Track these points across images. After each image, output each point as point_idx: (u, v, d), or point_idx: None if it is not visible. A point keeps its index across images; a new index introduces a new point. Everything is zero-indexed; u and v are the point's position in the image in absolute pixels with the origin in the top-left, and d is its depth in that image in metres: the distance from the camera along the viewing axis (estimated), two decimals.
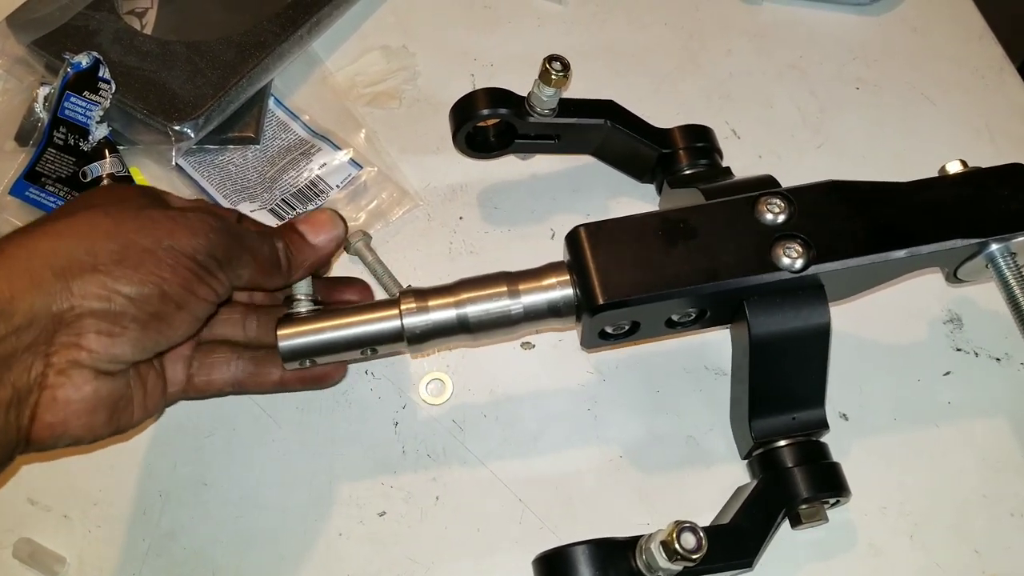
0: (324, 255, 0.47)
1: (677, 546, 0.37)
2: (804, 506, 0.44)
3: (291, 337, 0.46)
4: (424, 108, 0.64)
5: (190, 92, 0.59)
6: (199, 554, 0.49)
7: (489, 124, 0.57)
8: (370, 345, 0.46)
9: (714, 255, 0.43)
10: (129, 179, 0.59)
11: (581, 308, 0.45)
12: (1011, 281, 0.44)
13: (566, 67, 0.51)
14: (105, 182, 0.58)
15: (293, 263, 0.46)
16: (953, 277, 0.47)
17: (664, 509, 0.48)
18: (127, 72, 0.60)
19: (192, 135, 0.58)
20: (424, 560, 0.48)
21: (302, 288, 0.47)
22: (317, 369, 0.49)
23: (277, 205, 0.57)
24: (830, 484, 0.43)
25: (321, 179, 0.59)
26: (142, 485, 0.51)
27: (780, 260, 0.43)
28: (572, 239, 0.46)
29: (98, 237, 0.39)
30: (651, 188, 0.59)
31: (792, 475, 0.44)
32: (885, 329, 0.53)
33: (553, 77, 0.51)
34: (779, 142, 0.62)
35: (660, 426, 0.51)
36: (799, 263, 0.43)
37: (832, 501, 0.44)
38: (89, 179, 0.58)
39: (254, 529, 0.49)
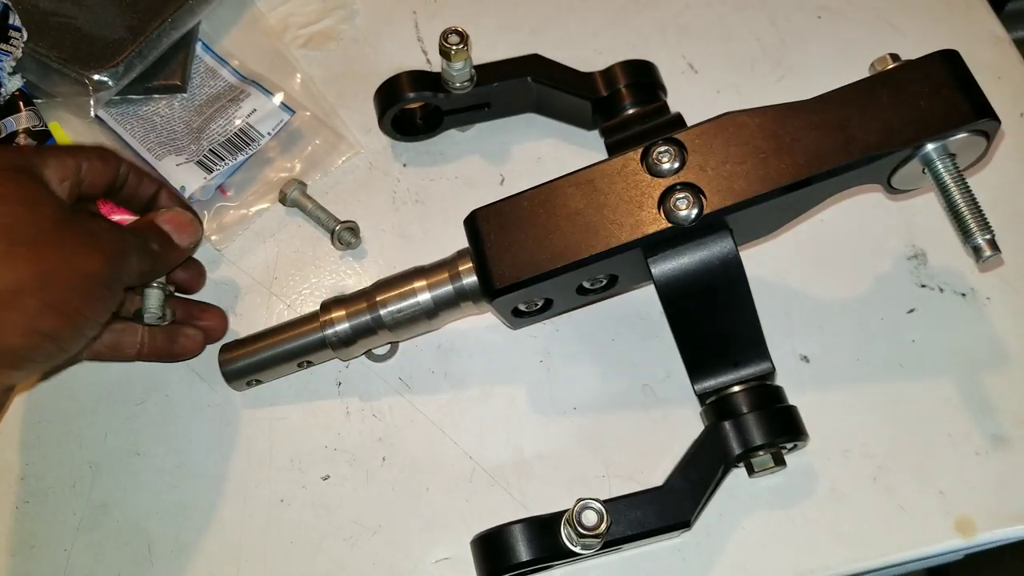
0: (182, 259, 0.47)
1: (578, 525, 0.38)
2: (759, 453, 0.42)
3: (231, 361, 0.48)
4: (364, 49, 0.61)
5: (108, 38, 0.55)
6: (134, 526, 0.46)
7: (415, 107, 0.55)
8: (302, 357, 0.47)
9: (606, 219, 0.41)
10: (47, 134, 0.55)
11: (483, 294, 0.44)
12: (950, 186, 0.40)
13: (463, 37, 0.49)
14: (21, 138, 0.55)
15: (161, 266, 0.46)
16: (889, 188, 0.43)
17: (620, 460, 0.46)
18: (40, 19, 0.56)
19: (111, 84, 0.54)
20: (371, 523, 0.46)
21: (153, 302, 0.47)
22: (174, 347, 0.49)
23: (205, 156, 0.54)
24: (785, 428, 0.41)
25: (251, 127, 0.55)
26: (71, 457, 0.49)
27: (673, 214, 0.40)
28: (469, 224, 0.44)
29: (20, 265, 0.37)
30: None
31: (738, 423, 0.41)
32: (847, 268, 0.51)
33: (453, 51, 0.49)
34: (739, 76, 0.59)
35: (615, 376, 0.49)
36: (693, 212, 0.40)
37: (789, 446, 0.43)
38: (3, 135, 0.54)
39: (191, 498, 0.47)
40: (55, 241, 0.38)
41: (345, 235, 0.52)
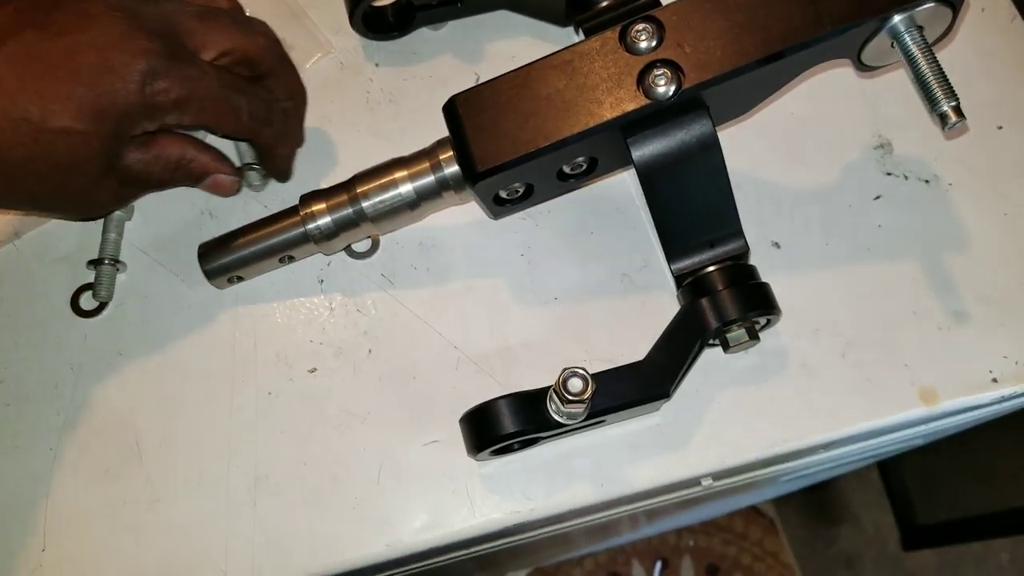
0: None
1: (565, 392, 0.39)
2: (734, 328, 0.43)
3: (211, 258, 0.47)
4: None
5: None
6: (120, 422, 0.47)
7: (386, 4, 0.54)
8: (283, 252, 0.47)
9: (585, 99, 0.41)
10: None
11: (465, 180, 0.44)
12: (917, 56, 0.40)
13: None
14: None
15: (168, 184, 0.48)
16: (860, 64, 0.44)
17: (601, 345, 0.48)
18: None
19: None
20: (360, 411, 0.47)
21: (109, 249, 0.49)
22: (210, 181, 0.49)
23: None
24: (758, 303, 0.43)
25: None
26: (50, 360, 0.48)
27: (652, 91, 0.41)
28: (448, 110, 0.44)
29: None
30: None
31: (713, 299, 0.43)
32: (815, 156, 0.52)
33: None
34: None
35: (594, 267, 0.50)
36: (671, 89, 0.40)
37: (763, 321, 0.44)
38: None
39: (177, 394, 0.47)
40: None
41: (251, 176, 0.52)
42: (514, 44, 0.56)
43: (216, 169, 0.48)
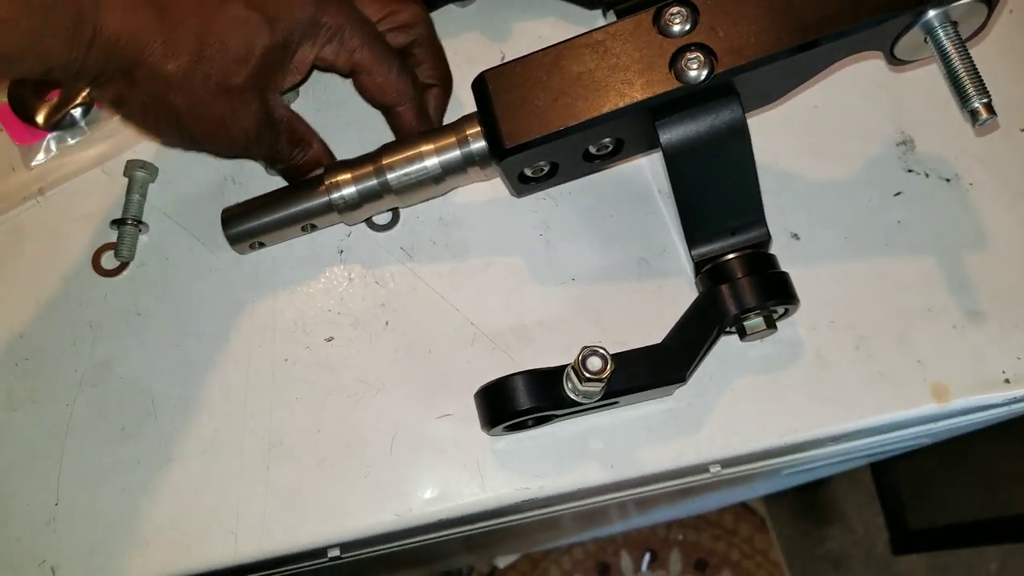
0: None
1: (583, 370, 0.39)
2: (752, 316, 0.44)
3: (235, 223, 0.47)
4: None
5: None
6: (137, 382, 0.47)
7: None
8: (306, 221, 0.47)
9: (616, 80, 0.42)
10: None
11: (492, 156, 0.44)
12: (951, 52, 0.41)
13: None
14: None
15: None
16: (892, 58, 0.44)
17: (616, 327, 0.48)
18: None
19: None
20: (375, 382, 0.47)
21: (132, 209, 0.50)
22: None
23: None
24: (777, 292, 0.43)
25: None
26: (70, 316, 0.49)
27: (684, 74, 0.41)
28: (477, 86, 0.44)
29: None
30: None
31: (733, 286, 0.43)
32: (837, 151, 0.52)
33: None
34: None
35: (612, 250, 0.50)
36: (704, 73, 0.41)
37: (781, 311, 0.45)
38: None
39: (194, 358, 0.47)
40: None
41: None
42: (541, 24, 0.56)
43: (326, 161, 0.49)
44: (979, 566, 1.48)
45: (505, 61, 0.44)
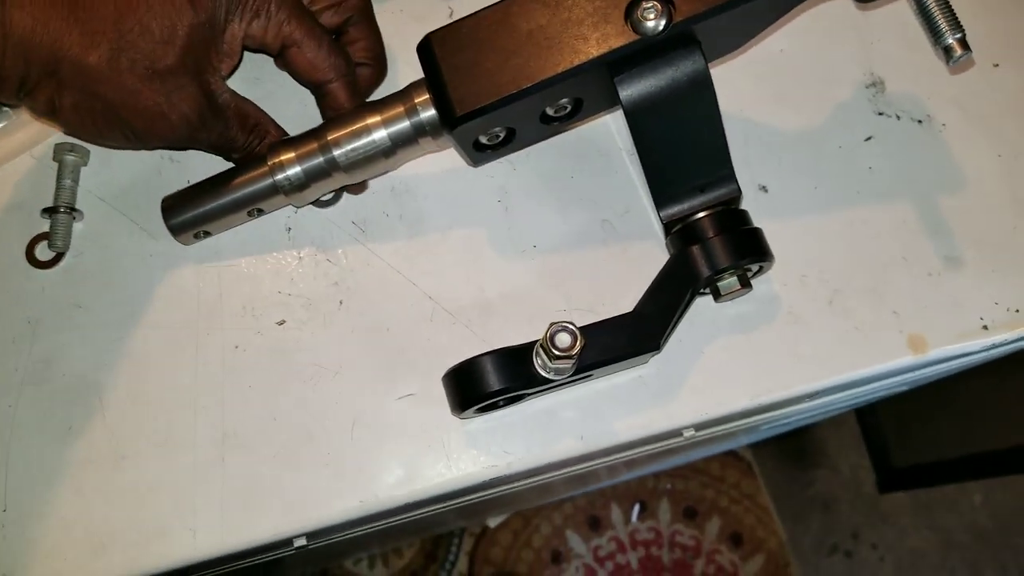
0: None
1: (552, 347, 0.37)
2: (725, 276, 0.42)
3: (176, 213, 0.45)
4: None
5: None
6: (82, 379, 0.45)
7: None
8: (252, 205, 0.44)
9: (569, 35, 0.39)
10: None
11: (443, 125, 0.42)
12: None
13: None
14: None
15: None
16: None
17: (581, 295, 0.46)
18: None
19: None
20: (331, 364, 0.45)
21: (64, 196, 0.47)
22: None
23: None
24: (751, 249, 0.41)
25: None
26: (7, 313, 0.46)
27: (641, 25, 0.38)
28: (423, 50, 0.41)
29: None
30: None
31: (705, 247, 0.41)
32: (805, 96, 0.50)
33: None
34: None
35: (574, 213, 0.48)
36: (661, 23, 0.38)
37: (755, 268, 0.43)
38: None
39: (140, 349, 0.45)
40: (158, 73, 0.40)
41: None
42: None
43: None
44: (963, 500, 1.50)
45: (452, 21, 0.41)
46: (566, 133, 0.49)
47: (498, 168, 0.49)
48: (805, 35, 0.51)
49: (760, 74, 0.50)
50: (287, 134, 0.46)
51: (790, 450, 1.57)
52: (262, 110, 0.46)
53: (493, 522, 1.53)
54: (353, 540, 0.80)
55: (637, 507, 1.53)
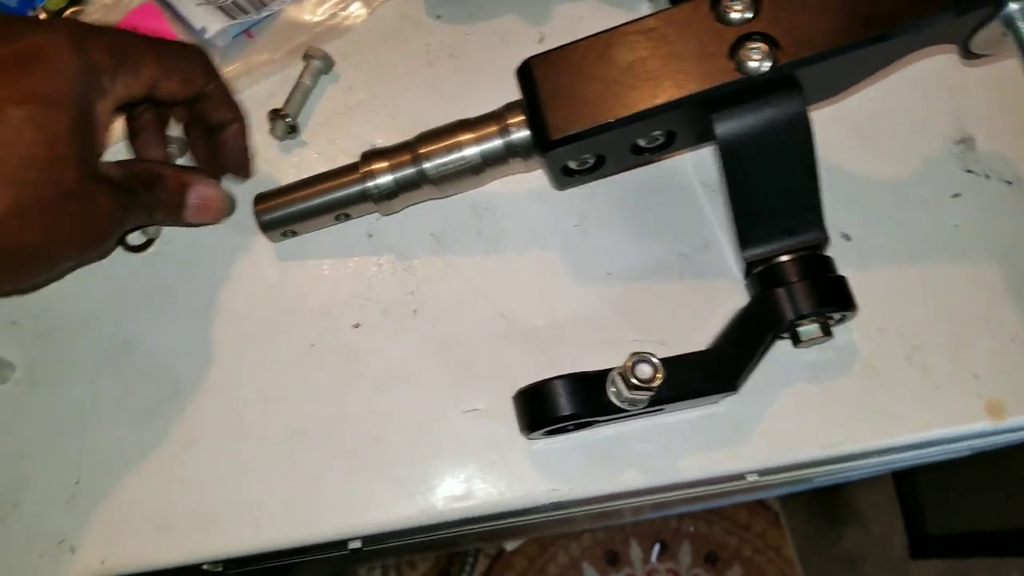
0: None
1: (632, 377, 0.37)
2: (806, 323, 0.41)
3: (268, 211, 0.46)
4: None
5: None
6: (160, 363, 0.46)
7: None
8: (340, 210, 0.45)
9: (670, 70, 0.39)
10: None
11: (535, 148, 0.42)
12: None
13: None
14: None
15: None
16: (967, 53, 0.41)
17: (653, 326, 0.46)
18: None
19: None
20: (402, 372, 0.45)
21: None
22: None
23: (228, 3, 0.51)
24: (834, 297, 0.41)
25: None
26: (95, 292, 0.47)
27: (745, 64, 0.38)
28: (523, 73, 0.42)
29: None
30: None
31: (790, 291, 0.41)
32: (892, 147, 0.50)
33: None
34: None
35: (651, 244, 0.48)
36: (766, 65, 0.38)
37: (837, 316, 0.42)
38: None
39: (219, 339, 0.46)
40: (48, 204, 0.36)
41: (280, 125, 0.50)
42: (581, 7, 0.54)
43: (191, 180, 0.45)
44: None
45: (550, 48, 0.42)
46: (647, 167, 0.49)
47: (577, 193, 0.49)
48: (896, 86, 0.51)
49: (849, 122, 0.50)
50: (178, 166, 0.47)
51: (821, 504, 1.53)
52: (141, 160, 0.45)
53: (510, 546, 1.52)
54: (388, 549, 0.80)
55: (657, 547, 1.51)
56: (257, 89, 0.52)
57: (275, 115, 0.50)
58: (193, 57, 0.43)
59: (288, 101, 0.50)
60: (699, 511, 1.51)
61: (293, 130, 0.50)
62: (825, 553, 1.52)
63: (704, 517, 1.52)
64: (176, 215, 0.45)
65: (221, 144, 0.47)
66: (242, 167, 0.48)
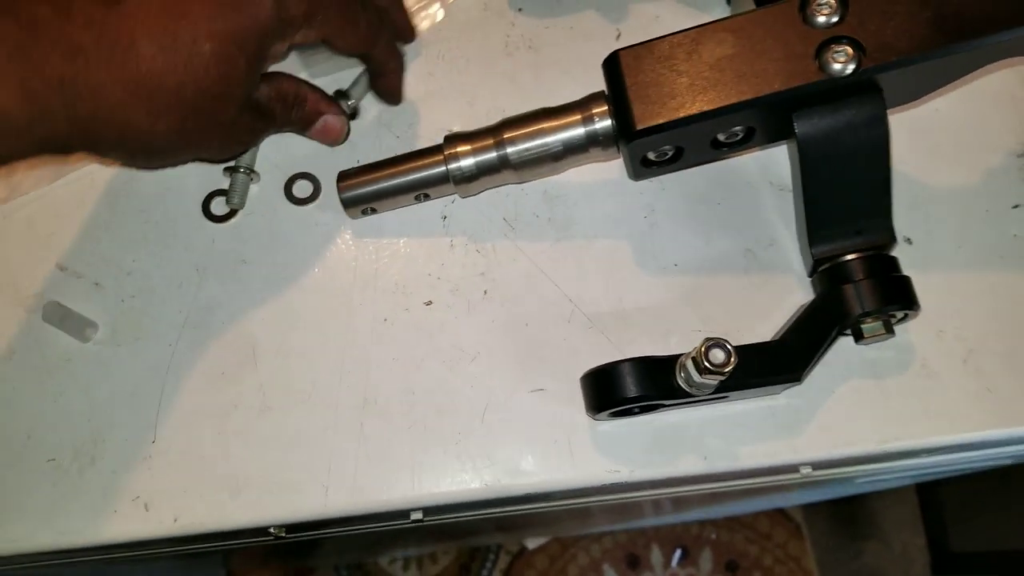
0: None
1: (705, 361, 0.38)
2: (870, 320, 0.43)
3: (350, 188, 0.48)
4: None
5: None
6: (239, 329, 0.48)
7: None
8: (421, 190, 0.47)
9: (756, 67, 0.40)
10: None
11: (619, 137, 0.43)
12: None
13: None
14: None
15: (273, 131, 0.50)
16: None
17: (717, 319, 0.47)
18: None
19: None
20: (470, 349, 0.47)
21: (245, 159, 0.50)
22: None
23: None
24: (899, 296, 0.42)
25: None
26: (178, 259, 0.49)
27: (829, 66, 0.39)
28: (609, 65, 0.43)
29: None
30: None
31: (857, 288, 0.42)
32: (956, 156, 0.51)
33: None
34: None
35: (718, 238, 0.49)
36: (850, 68, 0.39)
37: (900, 315, 0.43)
38: None
39: (296, 309, 0.48)
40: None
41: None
42: (659, 6, 0.55)
43: (327, 109, 0.49)
44: None
45: (616, 41, 0.43)
46: (716, 164, 0.51)
47: (647, 185, 0.51)
48: (962, 96, 0.52)
49: (914, 129, 0.51)
50: (320, 90, 0.49)
51: (843, 517, 1.53)
52: (289, 79, 0.47)
53: (532, 544, 1.53)
54: (444, 526, 0.81)
55: (679, 552, 1.52)
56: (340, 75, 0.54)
57: (339, 96, 0.51)
58: (373, 17, 0.46)
59: (354, 84, 0.52)
60: (720, 518, 1.51)
61: (354, 114, 0.52)
62: (845, 566, 1.51)
63: (726, 524, 1.52)
64: (301, 131, 0.50)
65: (380, 78, 0.51)
66: (394, 98, 0.52)
